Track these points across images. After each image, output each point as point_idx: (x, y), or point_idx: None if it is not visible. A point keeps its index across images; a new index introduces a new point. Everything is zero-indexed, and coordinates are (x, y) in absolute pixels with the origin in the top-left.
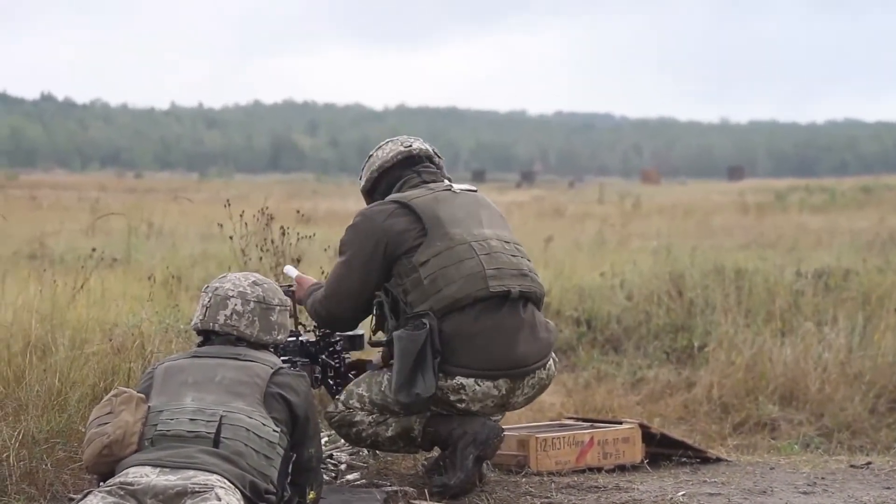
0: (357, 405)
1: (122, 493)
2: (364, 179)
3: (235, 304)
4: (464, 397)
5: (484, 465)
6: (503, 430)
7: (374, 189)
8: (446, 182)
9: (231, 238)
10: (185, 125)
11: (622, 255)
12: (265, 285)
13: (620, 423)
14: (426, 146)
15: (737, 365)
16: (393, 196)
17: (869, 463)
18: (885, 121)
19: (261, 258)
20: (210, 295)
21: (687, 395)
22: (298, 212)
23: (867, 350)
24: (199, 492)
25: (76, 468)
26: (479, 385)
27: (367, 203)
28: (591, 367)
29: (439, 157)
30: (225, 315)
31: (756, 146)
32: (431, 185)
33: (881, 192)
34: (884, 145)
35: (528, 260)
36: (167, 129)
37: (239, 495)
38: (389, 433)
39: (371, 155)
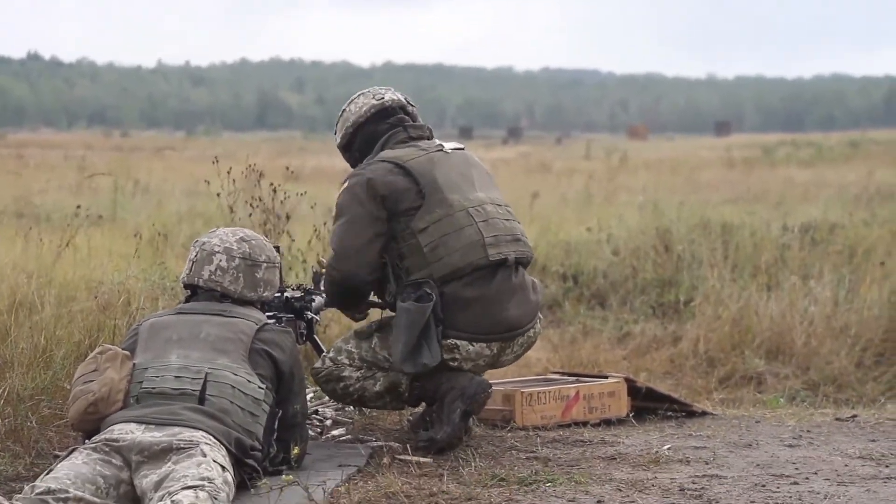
0: (346, 361)
1: (107, 449)
2: (339, 136)
3: (220, 260)
4: (457, 356)
5: (470, 419)
6: (491, 385)
7: (350, 144)
8: (437, 141)
9: (218, 195)
10: (171, 83)
11: (609, 211)
12: (253, 241)
13: (606, 377)
14: (398, 95)
15: (723, 319)
16: (384, 155)
17: (854, 416)
18: (872, 75)
19: (250, 214)
20: (197, 249)
21: (673, 350)
22: (288, 168)
23: (853, 303)
24: (184, 448)
25: (61, 425)
26: (472, 346)
27: (345, 158)
28: (577, 322)
29: (412, 105)
30: (209, 270)
31: (743, 101)
32: (422, 145)
33: (868, 146)
34: (871, 100)
35: (518, 222)
36: (154, 87)
37: (224, 452)
38: (377, 388)
39: (344, 110)
